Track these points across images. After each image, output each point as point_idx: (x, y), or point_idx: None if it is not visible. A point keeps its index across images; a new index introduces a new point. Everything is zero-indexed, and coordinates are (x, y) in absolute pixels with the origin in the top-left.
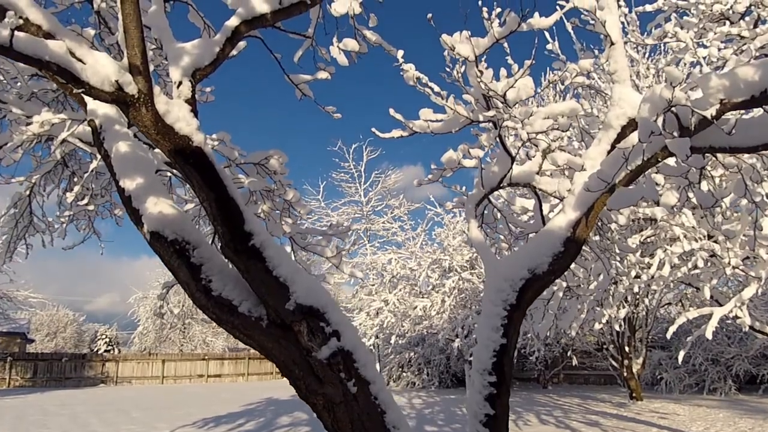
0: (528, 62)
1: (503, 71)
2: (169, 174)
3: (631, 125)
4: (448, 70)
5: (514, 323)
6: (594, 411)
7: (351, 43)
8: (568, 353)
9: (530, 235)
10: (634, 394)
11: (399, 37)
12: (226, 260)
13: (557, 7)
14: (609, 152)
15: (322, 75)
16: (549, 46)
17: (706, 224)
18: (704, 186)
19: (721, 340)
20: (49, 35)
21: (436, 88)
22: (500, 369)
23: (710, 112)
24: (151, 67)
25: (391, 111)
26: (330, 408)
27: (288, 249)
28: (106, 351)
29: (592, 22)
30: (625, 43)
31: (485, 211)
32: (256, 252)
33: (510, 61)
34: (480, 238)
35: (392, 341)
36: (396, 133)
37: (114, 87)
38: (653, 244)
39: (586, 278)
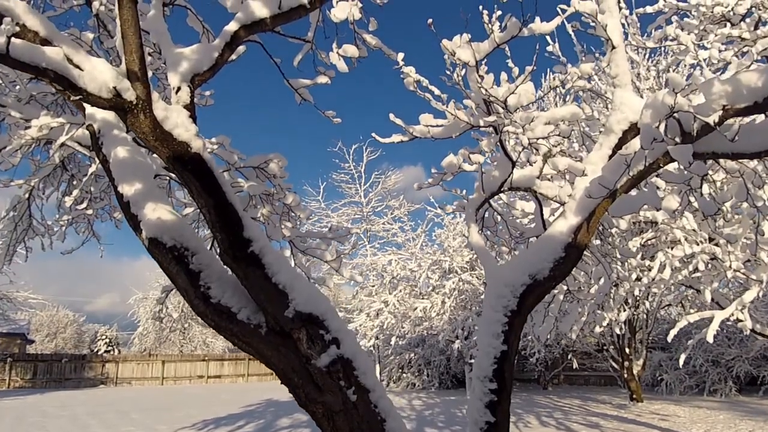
0: (529, 68)
1: (504, 75)
2: (168, 177)
3: (633, 130)
4: (448, 73)
5: (514, 330)
6: (594, 412)
7: (351, 49)
8: (569, 356)
9: (531, 240)
10: (634, 396)
11: (399, 40)
12: (225, 266)
13: (558, 12)
14: (610, 157)
15: (322, 79)
16: (550, 48)
17: (706, 227)
18: (705, 189)
19: (721, 341)
20: (46, 41)
21: (437, 92)
22: (501, 376)
23: (713, 118)
24: (150, 72)
25: (391, 116)
26: (329, 416)
27: (287, 253)
28: (106, 352)
29: (593, 25)
30: (626, 45)
31: (486, 215)
32: (255, 259)
33: (510, 64)
34: (480, 243)
35: (392, 342)
36: (396, 137)
37: (112, 93)
38: (654, 247)
39: (587, 282)
